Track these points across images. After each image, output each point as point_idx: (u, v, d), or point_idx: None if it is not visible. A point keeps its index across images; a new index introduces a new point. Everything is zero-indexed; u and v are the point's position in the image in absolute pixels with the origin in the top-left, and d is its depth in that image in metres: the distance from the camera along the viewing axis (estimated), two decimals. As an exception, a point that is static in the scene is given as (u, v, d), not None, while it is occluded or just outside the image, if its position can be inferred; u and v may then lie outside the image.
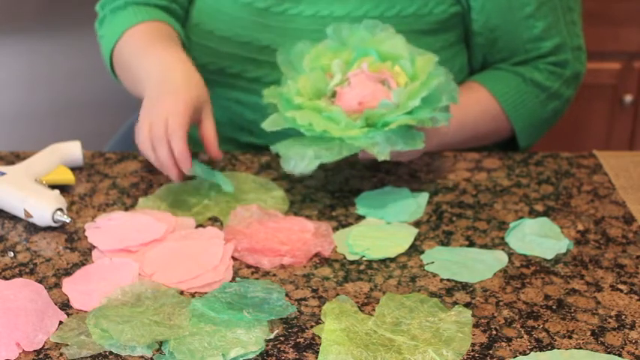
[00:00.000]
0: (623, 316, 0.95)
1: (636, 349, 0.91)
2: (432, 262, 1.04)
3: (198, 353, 0.88)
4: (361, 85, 1.15)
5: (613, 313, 0.96)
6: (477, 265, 1.04)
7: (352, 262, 1.05)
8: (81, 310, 0.96)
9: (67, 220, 1.09)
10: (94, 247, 1.07)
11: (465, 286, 1.00)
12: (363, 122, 1.12)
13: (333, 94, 1.18)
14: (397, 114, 1.12)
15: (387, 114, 1.12)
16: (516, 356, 0.90)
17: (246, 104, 1.27)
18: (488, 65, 1.37)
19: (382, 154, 1.11)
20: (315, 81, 1.18)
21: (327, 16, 1.25)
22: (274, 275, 1.02)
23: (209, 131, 1.17)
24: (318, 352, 0.89)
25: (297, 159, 1.11)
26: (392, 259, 1.05)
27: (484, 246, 1.08)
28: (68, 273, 1.02)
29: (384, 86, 1.16)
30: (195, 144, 1.41)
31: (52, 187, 1.13)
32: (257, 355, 0.89)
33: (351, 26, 1.19)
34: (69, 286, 1.00)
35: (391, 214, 1.14)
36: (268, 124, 1.15)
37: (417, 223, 1.12)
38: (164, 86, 1.15)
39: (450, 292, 0.99)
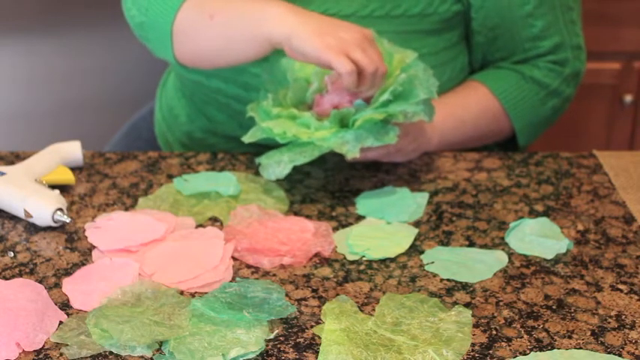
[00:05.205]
0: (623, 316, 0.95)
1: (636, 349, 0.91)
2: (432, 262, 1.04)
3: (198, 353, 0.88)
4: (338, 90, 1.17)
5: (613, 313, 0.96)
6: (477, 265, 1.04)
7: (352, 262, 1.05)
8: (81, 310, 0.96)
9: (67, 220, 1.09)
10: (94, 247, 1.07)
11: (465, 286, 1.00)
12: (334, 123, 1.14)
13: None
14: (366, 111, 1.13)
15: (358, 112, 1.13)
16: (516, 356, 0.90)
17: (247, 102, 1.27)
18: (487, 64, 1.38)
19: (352, 152, 1.12)
20: (297, 91, 1.20)
21: (334, 14, 1.25)
22: (274, 275, 1.02)
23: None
24: (318, 352, 0.89)
25: (274, 166, 1.15)
26: (392, 259, 1.05)
27: (484, 246, 1.08)
28: (68, 273, 1.02)
29: None
30: (195, 144, 1.41)
31: (52, 187, 1.13)
32: (257, 355, 0.89)
33: None
34: (69, 286, 1.00)
35: (391, 214, 1.14)
36: (247, 137, 1.19)
37: (417, 223, 1.12)
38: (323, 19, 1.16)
39: (450, 292, 0.99)
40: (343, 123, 1.15)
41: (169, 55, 1.29)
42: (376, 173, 1.23)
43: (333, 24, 1.15)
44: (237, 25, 1.20)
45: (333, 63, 1.10)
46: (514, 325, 0.94)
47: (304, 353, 0.90)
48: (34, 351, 0.90)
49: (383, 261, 1.05)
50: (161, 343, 0.91)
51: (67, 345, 0.90)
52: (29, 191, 1.10)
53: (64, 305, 0.97)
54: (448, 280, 1.01)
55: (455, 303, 0.97)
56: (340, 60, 1.10)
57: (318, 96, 1.19)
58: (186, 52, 1.27)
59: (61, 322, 0.94)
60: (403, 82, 1.14)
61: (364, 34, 1.14)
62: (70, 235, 1.09)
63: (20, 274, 1.02)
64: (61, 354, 0.90)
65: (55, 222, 1.09)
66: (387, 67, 1.14)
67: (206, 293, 0.98)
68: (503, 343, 0.91)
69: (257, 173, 1.22)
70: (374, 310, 0.96)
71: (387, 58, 1.19)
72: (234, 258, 1.05)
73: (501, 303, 0.98)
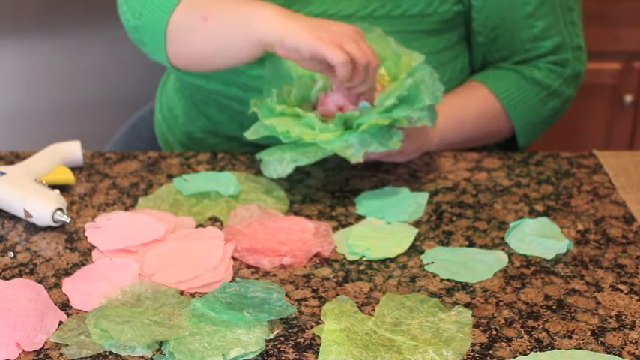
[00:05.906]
0: (623, 316, 0.95)
1: (636, 349, 0.91)
2: (432, 262, 1.04)
3: (198, 353, 0.88)
4: (342, 90, 1.16)
5: (613, 313, 0.96)
6: (477, 265, 1.04)
7: (352, 262, 1.05)
8: (81, 310, 0.96)
9: (67, 220, 1.09)
10: (94, 247, 1.07)
11: (465, 286, 1.00)
12: (338, 125, 1.13)
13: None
14: (371, 115, 1.13)
15: (362, 115, 1.13)
16: (516, 356, 0.90)
17: (248, 103, 1.27)
18: (488, 64, 1.38)
19: (355, 156, 1.12)
20: (301, 88, 1.20)
21: (334, 14, 1.25)
22: (274, 275, 1.02)
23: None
24: (318, 352, 0.89)
25: (276, 164, 1.14)
26: (392, 259, 1.05)
27: (484, 246, 1.08)
28: (68, 273, 1.02)
29: None
30: (195, 144, 1.41)
31: (52, 187, 1.13)
32: (257, 355, 0.89)
33: None
34: (69, 286, 1.00)
35: (391, 214, 1.14)
36: (250, 133, 1.18)
37: (417, 223, 1.12)
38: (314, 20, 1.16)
39: (450, 292, 0.99)
40: (347, 125, 1.15)
41: (163, 57, 1.29)
42: (376, 173, 1.23)
43: (322, 21, 1.16)
44: (229, 27, 1.21)
45: (327, 54, 1.10)
46: (514, 325, 0.94)
47: (304, 353, 0.90)
48: (34, 351, 0.90)
49: (383, 261, 1.05)
50: (161, 343, 0.91)
51: (67, 345, 0.90)
52: (29, 191, 1.10)
53: (64, 305, 0.97)
54: (448, 280, 1.01)
55: (455, 303, 0.97)
56: (334, 51, 1.10)
57: (323, 95, 1.18)
58: (180, 55, 1.28)
59: (61, 322, 0.94)
60: (409, 87, 1.14)
61: (355, 29, 1.14)
62: (70, 235, 1.09)
63: (20, 274, 1.02)
64: (61, 354, 0.90)
65: (55, 222, 1.09)
66: (378, 60, 1.14)
67: (206, 293, 0.98)
68: (503, 343, 0.91)
69: (257, 173, 1.22)
70: (374, 310, 0.96)
71: (395, 60, 1.18)
72: (234, 258, 1.05)
73: (501, 303, 0.98)
